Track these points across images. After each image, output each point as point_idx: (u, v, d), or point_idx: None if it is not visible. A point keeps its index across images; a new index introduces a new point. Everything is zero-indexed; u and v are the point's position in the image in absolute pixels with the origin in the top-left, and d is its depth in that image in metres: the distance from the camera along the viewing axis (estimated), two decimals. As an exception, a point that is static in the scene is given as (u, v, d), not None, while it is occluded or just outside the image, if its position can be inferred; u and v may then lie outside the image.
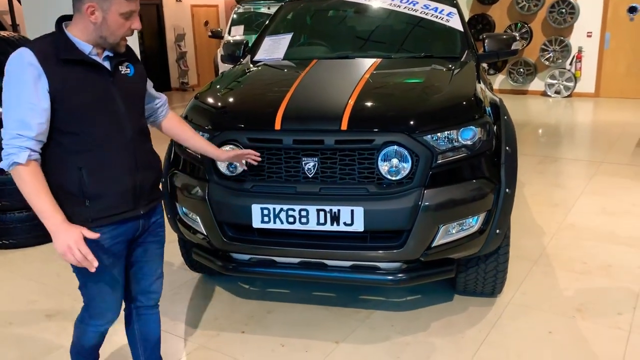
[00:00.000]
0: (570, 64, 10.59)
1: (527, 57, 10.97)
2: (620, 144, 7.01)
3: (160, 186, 2.15)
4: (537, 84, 11.08)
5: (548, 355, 2.68)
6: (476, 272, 2.98)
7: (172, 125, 2.30)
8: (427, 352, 2.73)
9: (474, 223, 2.66)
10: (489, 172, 2.68)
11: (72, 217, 1.83)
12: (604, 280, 3.42)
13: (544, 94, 10.97)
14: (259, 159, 2.55)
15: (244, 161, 2.56)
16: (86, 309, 2.08)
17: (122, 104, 1.90)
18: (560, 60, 10.62)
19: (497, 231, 2.71)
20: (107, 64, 1.88)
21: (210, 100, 3.00)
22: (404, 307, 3.15)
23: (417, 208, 2.49)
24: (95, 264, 1.79)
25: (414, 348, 2.77)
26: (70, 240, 1.76)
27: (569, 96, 10.69)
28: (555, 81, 10.73)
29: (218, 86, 3.21)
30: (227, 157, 2.47)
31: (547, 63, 10.73)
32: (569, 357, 2.65)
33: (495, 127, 2.79)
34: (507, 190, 2.70)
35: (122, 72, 1.94)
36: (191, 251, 3.20)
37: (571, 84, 10.60)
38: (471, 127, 2.62)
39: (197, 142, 2.38)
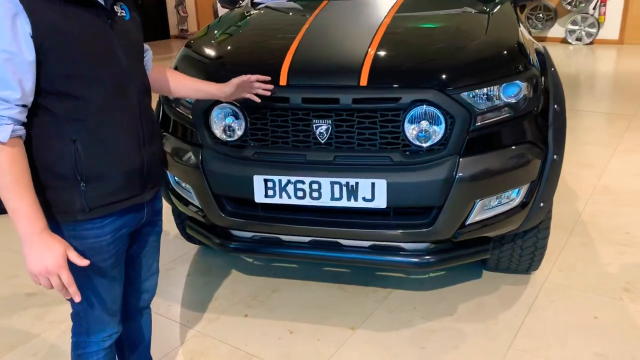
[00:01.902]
0: (594, 8, 9.90)
1: (547, 2, 10.27)
2: (652, 96, 6.51)
3: None
4: (556, 30, 10.42)
5: (596, 345, 2.33)
6: (512, 249, 2.60)
7: (159, 77, 1.84)
8: (456, 341, 2.39)
9: (515, 196, 2.26)
10: (535, 135, 2.25)
11: (61, 207, 1.44)
12: (651, 253, 3.05)
13: (563, 40, 10.33)
14: (270, 86, 2.08)
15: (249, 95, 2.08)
16: (80, 324, 1.66)
17: (123, 55, 1.47)
18: (583, 4, 9.93)
19: (541, 205, 2.31)
20: (102, 1, 1.43)
21: (203, 49, 2.55)
22: (427, 286, 2.79)
23: (450, 180, 2.08)
24: (78, 299, 1.41)
25: (441, 336, 2.42)
26: (49, 260, 1.35)
27: (590, 43, 10.06)
28: (576, 27, 10.08)
29: (213, 33, 2.74)
30: (232, 90, 1.99)
31: (568, 7, 10.05)
32: (621, 348, 2.30)
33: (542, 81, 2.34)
34: (554, 157, 2.28)
35: (119, 14, 1.49)
36: (186, 222, 2.83)
37: (594, 30, 9.95)
38: (516, 81, 2.17)
39: (193, 85, 1.93)
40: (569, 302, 2.63)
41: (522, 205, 2.27)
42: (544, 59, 2.45)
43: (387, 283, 2.81)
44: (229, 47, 2.51)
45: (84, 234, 1.50)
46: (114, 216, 1.54)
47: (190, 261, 3.13)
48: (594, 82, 7.53)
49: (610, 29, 9.95)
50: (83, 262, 1.41)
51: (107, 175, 1.48)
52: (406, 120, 2.09)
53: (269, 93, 2.08)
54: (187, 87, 1.91)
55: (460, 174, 2.08)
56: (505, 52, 2.27)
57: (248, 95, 2.06)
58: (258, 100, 2.07)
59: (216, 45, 2.56)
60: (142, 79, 1.57)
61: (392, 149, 2.12)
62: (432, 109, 2.07)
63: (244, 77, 2.01)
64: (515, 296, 2.69)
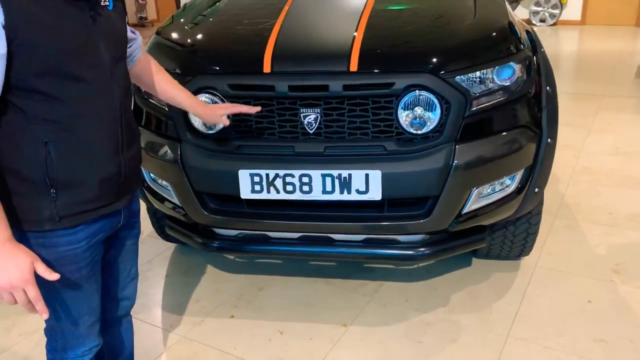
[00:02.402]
0: (556, -11, 10.01)
1: (511, -17, 10.31)
2: (617, 75, 6.59)
3: None
4: (520, 12, 10.47)
5: (593, 331, 2.29)
6: (504, 236, 2.54)
7: (144, 71, 1.67)
8: (453, 334, 2.31)
9: (510, 182, 2.19)
10: (530, 119, 2.18)
11: (27, 215, 1.29)
12: (636, 233, 3.04)
13: (527, 22, 10.39)
14: (257, 108, 1.93)
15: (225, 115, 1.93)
16: (56, 339, 1.51)
17: (106, 51, 1.31)
18: (546, -14, 10.02)
19: (536, 190, 2.25)
20: None
21: (176, 35, 2.38)
22: (417, 277, 2.71)
23: (447, 168, 1.98)
24: (46, 315, 1.26)
25: (437, 329, 2.35)
26: (14, 274, 1.20)
27: (554, 24, 10.17)
28: (540, 8, 10.16)
29: (183, 19, 2.56)
30: (207, 115, 1.85)
31: (531, -11, 10.12)
32: (619, 332, 2.27)
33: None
34: (548, 140, 2.21)
35: (102, 2, 1.32)
36: (163, 220, 2.67)
37: (557, 11, 10.05)
38: (510, 63, 2.09)
39: (177, 93, 1.76)
40: (561, 286, 2.60)
41: (518, 191, 2.21)
42: (533, 39, 2.38)
43: (376, 275, 2.72)
44: (205, 32, 2.34)
45: (54, 242, 1.35)
46: (87, 222, 1.39)
47: (168, 261, 2.97)
48: (559, 63, 7.60)
49: (573, 10, 10.08)
50: (53, 276, 1.26)
51: (81, 182, 1.33)
52: (400, 106, 1.98)
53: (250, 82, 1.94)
54: (174, 98, 1.76)
55: (456, 162, 1.99)
56: (497, 33, 2.18)
57: (220, 121, 1.90)
58: (227, 122, 1.91)
59: (190, 30, 2.39)
60: (125, 77, 1.41)
61: (386, 138, 2.01)
62: (427, 94, 1.96)
63: (228, 109, 1.88)
64: (507, 283, 2.64)
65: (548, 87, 2.26)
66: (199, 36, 2.32)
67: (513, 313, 2.43)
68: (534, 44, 2.34)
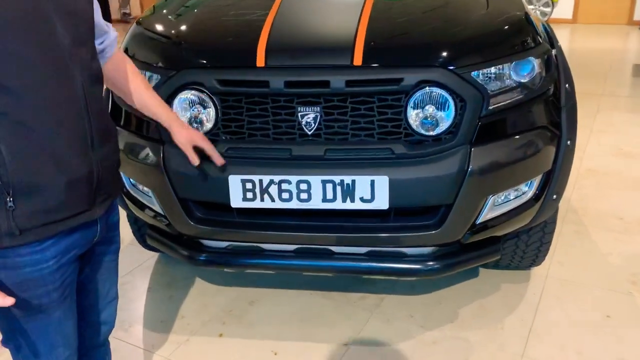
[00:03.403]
0: (548, -13, 9.89)
1: (502, -20, 10.19)
2: (614, 74, 6.46)
3: None
4: (511, 10, 10.37)
5: (615, 349, 2.11)
6: (515, 246, 2.35)
7: (118, 72, 1.45)
8: (462, 353, 2.12)
9: (527, 189, 2.00)
10: (549, 119, 1.98)
11: None
12: (650, 240, 2.88)
13: (519, 20, 10.29)
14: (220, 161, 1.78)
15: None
16: None
17: (63, 30, 1.09)
18: (537, -17, 9.90)
19: (554, 197, 2.06)
20: None
21: (159, 25, 2.15)
22: (421, 289, 2.51)
23: (462, 174, 1.78)
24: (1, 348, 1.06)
25: (445, 347, 2.15)
26: None
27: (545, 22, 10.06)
28: (531, 7, 10.02)
29: (167, 9, 2.33)
30: (181, 141, 1.67)
31: (523, -14, 10.00)
32: (642, 353, 2.09)
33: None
34: (568, 142, 2.02)
35: None
36: (145, 228, 2.44)
37: (548, 10, 9.93)
38: (528, 58, 1.89)
39: (154, 103, 1.54)
40: (576, 299, 2.41)
41: (535, 198, 2.01)
42: (548, 32, 2.19)
43: (377, 288, 2.52)
44: (191, 22, 2.11)
45: (16, 262, 1.13)
46: (56, 236, 1.16)
47: (151, 272, 2.74)
48: (554, 62, 7.47)
49: (564, 9, 9.98)
50: (6, 302, 1.05)
51: (43, 188, 1.11)
52: (409, 105, 1.77)
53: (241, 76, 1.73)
54: (146, 106, 1.53)
55: (472, 167, 1.79)
56: (514, 25, 1.98)
57: (190, 154, 1.72)
58: (196, 162, 1.74)
59: (175, 20, 2.16)
60: (91, 62, 1.18)
61: (393, 140, 1.81)
62: (439, 91, 1.76)
63: (206, 144, 1.72)
64: (518, 296, 2.45)
65: (567, 85, 2.07)
66: (185, 26, 2.09)
67: (526, 329, 2.24)
68: (550, 37, 2.15)
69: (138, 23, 2.22)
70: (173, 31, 2.08)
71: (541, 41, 1.99)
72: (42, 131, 1.08)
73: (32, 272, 1.15)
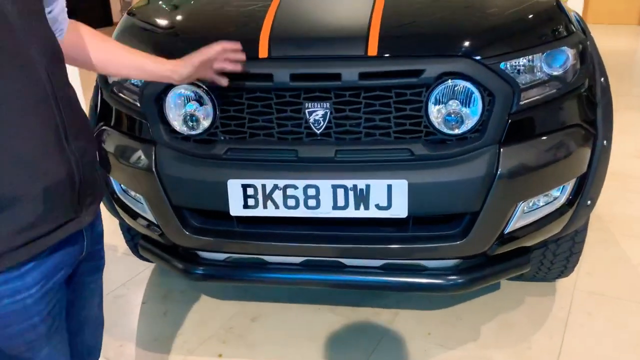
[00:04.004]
0: (556, -13, 9.71)
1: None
2: (630, 73, 6.26)
3: None
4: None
5: (657, 372, 1.90)
6: (542, 256, 2.15)
7: (77, 41, 1.23)
8: (487, 376, 1.91)
9: (559, 194, 1.80)
10: (585, 116, 1.79)
11: None
12: (684, 249, 2.66)
13: (526, 21, 10.10)
14: (241, 57, 1.52)
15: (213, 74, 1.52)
16: None
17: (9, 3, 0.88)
18: (546, -17, 9.72)
19: (588, 203, 1.86)
20: None
21: (152, 16, 1.96)
22: (438, 303, 2.30)
23: (490, 178, 1.59)
24: None
25: (467, 370, 1.95)
26: None
27: (553, 23, 9.86)
28: (539, 7, 9.86)
29: (161, 0, 2.14)
30: (190, 70, 1.43)
31: (531, -13, 9.80)
32: (688, 376, 1.88)
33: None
34: (604, 142, 1.83)
35: None
36: (137, 238, 2.25)
37: (557, 10, 9.73)
38: (562, 48, 1.70)
39: (133, 60, 1.34)
40: (608, 314, 2.21)
41: (568, 204, 1.81)
42: (579, 22, 1.99)
43: (390, 302, 2.31)
44: (187, 12, 1.92)
45: None
46: (38, 257, 0.97)
47: (145, 284, 2.54)
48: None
49: (574, 8, 9.77)
50: None
51: (16, 200, 0.90)
52: (430, 100, 1.58)
53: (241, 68, 1.52)
54: (123, 62, 1.32)
55: (502, 169, 1.59)
56: (546, 12, 1.79)
57: (211, 77, 1.51)
58: (225, 82, 1.52)
59: (169, 10, 1.97)
60: (47, 39, 0.97)
61: (413, 139, 1.61)
62: (464, 83, 1.56)
63: (208, 51, 1.45)
64: (544, 311, 2.24)
65: (602, 79, 1.87)
66: (180, 16, 1.90)
67: (556, 348, 2.03)
68: (582, 27, 1.95)
69: (129, 14, 2.03)
70: (167, 21, 1.89)
71: (574, 30, 1.79)
72: (3, 127, 0.89)
73: (12, 304, 0.95)
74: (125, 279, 2.57)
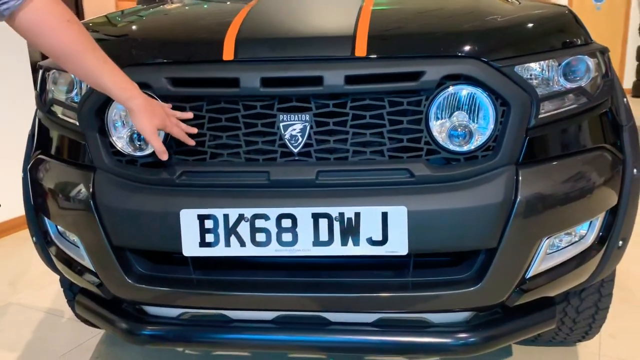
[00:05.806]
0: None
1: None
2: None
3: None
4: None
5: None
6: (563, 313, 1.80)
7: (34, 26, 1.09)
8: None
9: (586, 231, 1.49)
10: (609, 138, 1.51)
11: None
12: None
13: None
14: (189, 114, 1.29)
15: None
16: None
17: None
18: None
19: (620, 243, 1.55)
20: None
21: (108, 27, 1.69)
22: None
23: (509, 205, 1.27)
24: None
25: None
26: None
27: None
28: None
29: (119, 15, 1.89)
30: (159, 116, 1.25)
31: None
32: None
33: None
34: (634, 171, 1.54)
35: None
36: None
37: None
38: (582, 56, 1.45)
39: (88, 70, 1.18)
40: (645, 385, 1.84)
41: (599, 242, 1.50)
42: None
43: (384, 372, 1.92)
44: (144, 20, 1.65)
45: None
46: None
47: (91, 354, 2.12)
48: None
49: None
50: None
51: None
52: (432, 110, 1.29)
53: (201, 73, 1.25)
54: (84, 61, 1.20)
55: (521, 195, 1.28)
56: (562, 17, 1.55)
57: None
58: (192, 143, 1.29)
59: (125, 21, 1.71)
60: None
61: (412, 158, 1.30)
62: (473, 90, 1.28)
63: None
64: (568, 381, 1.87)
65: (625, 99, 1.62)
66: (135, 25, 1.63)
67: None
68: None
69: (85, 25, 1.75)
70: (120, 30, 1.62)
71: (591, 40, 1.56)
72: None
73: None
74: (69, 348, 2.15)
